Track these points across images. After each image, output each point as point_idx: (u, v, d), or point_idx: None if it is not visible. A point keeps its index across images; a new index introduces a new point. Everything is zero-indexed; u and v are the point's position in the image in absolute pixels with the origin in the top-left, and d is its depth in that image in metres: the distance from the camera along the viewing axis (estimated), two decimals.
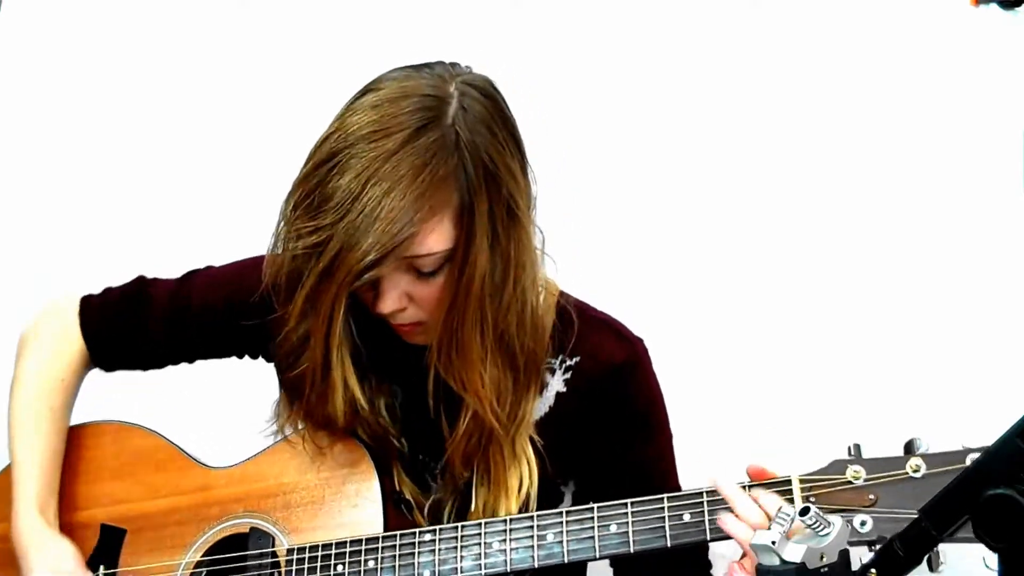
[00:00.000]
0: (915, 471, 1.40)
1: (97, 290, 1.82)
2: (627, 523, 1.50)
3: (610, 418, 1.64)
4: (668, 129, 2.48)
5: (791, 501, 1.44)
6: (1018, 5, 2.32)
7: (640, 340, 1.67)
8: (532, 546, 1.53)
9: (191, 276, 1.78)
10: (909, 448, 1.43)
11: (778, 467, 1.48)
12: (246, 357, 1.79)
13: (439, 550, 1.55)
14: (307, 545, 1.60)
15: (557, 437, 1.64)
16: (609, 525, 1.51)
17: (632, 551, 1.50)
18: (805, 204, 2.42)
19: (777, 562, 1.19)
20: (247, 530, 1.64)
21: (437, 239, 1.45)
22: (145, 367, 1.80)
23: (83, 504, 1.74)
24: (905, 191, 2.37)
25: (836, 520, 1.21)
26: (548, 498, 1.66)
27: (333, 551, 1.59)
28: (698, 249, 2.45)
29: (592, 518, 1.52)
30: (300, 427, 1.67)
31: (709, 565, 1.66)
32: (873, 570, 1.13)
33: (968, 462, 1.36)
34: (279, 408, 1.70)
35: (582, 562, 1.56)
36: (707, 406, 2.36)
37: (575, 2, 2.53)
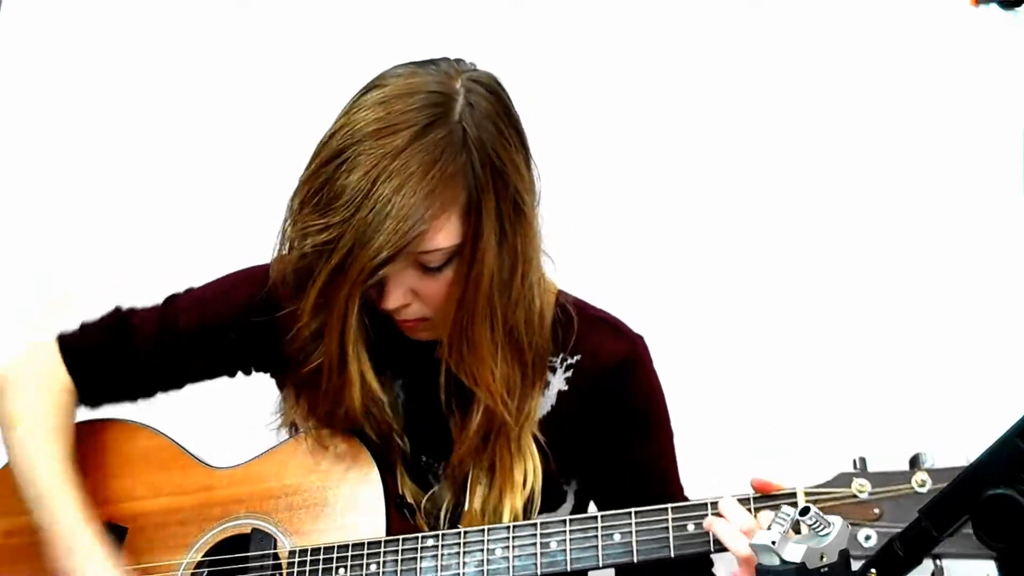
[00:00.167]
0: (920, 486, 1.40)
1: (72, 325, 1.78)
2: (631, 532, 1.50)
3: (612, 416, 1.64)
4: (668, 129, 2.48)
5: None
6: (1018, 5, 2.32)
7: (640, 337, 1.67)
8: (535, 553, 1.53)
9: (173, 300, 1.75)
10: (914, 462, 1.43)
11: (783, 480, 1.47)
12: (238, 375, 1.78)
13: (442, 555, 1.55)
14: (309, 547, 1.60)
15: (560, 435, 1.64)
16: (613, 534, 1.51)
17: (636, 560, 1.49)
18: (805, 204, 2.42)
19: (777, 562, 1.19)
20: (249, 531, 1.64)
21: (446, 235, 1.46)
22: (135, 398, 1.77)
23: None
24: (905, 191, 2.37)
25: (836, 520, 1.21)
26: (551, 497, 1.66)
27: (335, 554, 1.58)
28: (701, 249, 2.45)
29: (596, 527, 1.52)
30: (306, 427, 1.66)
31: (711, 564, 1.66)
32: (873, 570, 1.13)
33: None
34: (283, 406, 1.69)
35: (584, 570, 1.56)
36: (709, 406, 2.36)
37: (575, 2, 2.53)
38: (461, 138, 1.45)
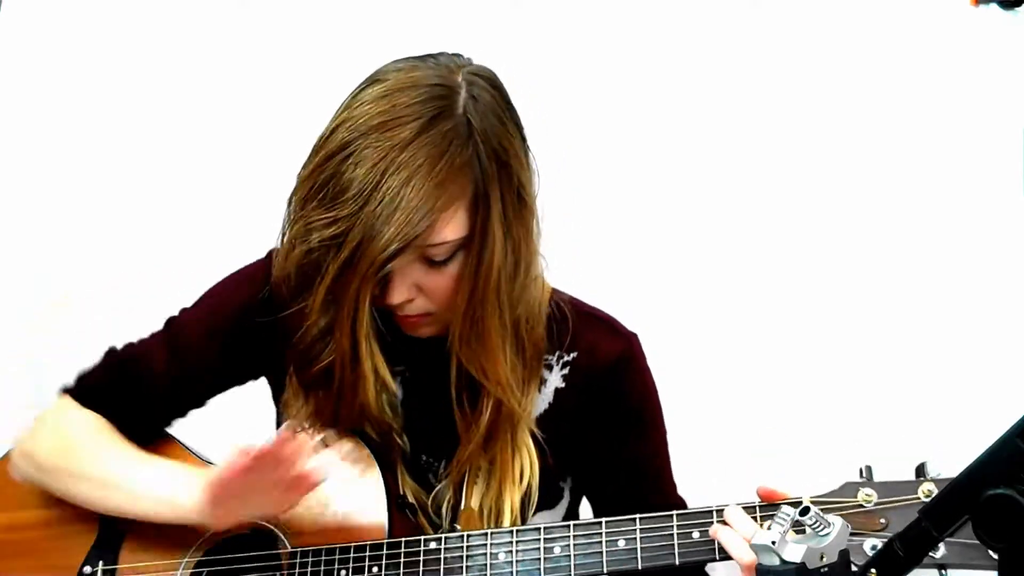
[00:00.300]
0: (927, 496, 1.39)
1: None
2: (635, 539, 1.49)
3: (608, 414, 1.64)
4: (668, 129, 2.48)
5: None
6: (1018, 5, 2.32)
7: (634, 335, 1.67)
8: (539, 559, 1.52)
9: (172, 323, 1.73)
10: (920, 471, 1.43)
11: (784, 482, 1.47)
12: (247, 383, 1.77)
13: (444, 559, 1.55)
14: (310, 548, 1.59)
15: (557, 432, 1.64)
16: (617, 540, 1.50)
17: (640, 567, 1.49)
18: (805, 203, 2.42)
19: (777, 562, 1.19)
20: (249, 531, 1.63)
21: (454, 228, 1.46)
22: (159, 425, 1.74)
23: None
24: (905, 191, 2.37)
25: (836, 520, 1.21)
26: (548, 494, 1.66)
27: (337, 556, 1.58)
28: (702, 249, 2.45)
29: (600, 532, 1.51)
30: (307, 427, 1.65)
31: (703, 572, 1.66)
32: (873, 570, 1.13)
33: None
34: (286, 410, 1.68)
35: None
36: (709, 406, 2.36)
37: (575, 2, 2.53)
38: (467, 130, 1.45)
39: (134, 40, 2.68)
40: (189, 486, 1.56)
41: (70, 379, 1.75)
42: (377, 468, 1.62)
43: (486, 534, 1.55)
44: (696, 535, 1.47)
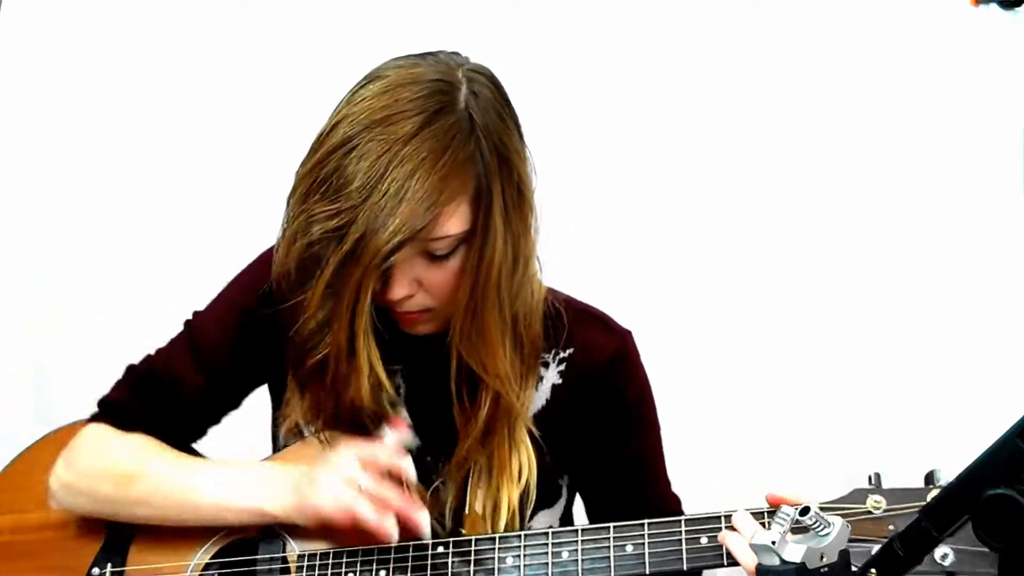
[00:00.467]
0: None
1: (89, 405, 1.74)
2: (643, 544, 1.49)
3: (602, 411, 1.65)
4: (667, 129, 2.48)
5: None
6: (1018, 5, 2.31)
7: (628, 332, 1.68)
8: (547, 563, 1.52)
9: (190, 327, 1.73)
10: (929, 479, 1.42)
11: (787, 484, 1.46)
12: (261, 385, 1.76)
13: (452, 563, 1.54)
14: (318, 551, 1.59)
15: (555, 430, 1.64)
16: (625, 545, 1.50)
17: (648, 572, 1.48)
18: (805, 203, 2.42)
19: (777, 562, 1.19)
20: (257, 533, 1.63)
21: (456, 222, 1.46)
22: (194, 439, 1.74)
23: None
24: (905, 192, 2.37)
25: (836, 520, 1.21)
26: (547, 493, 1.66)
27: (344, 559, 1.57)
28: (701, 249, 2.45)
29: (608, 537, 1.51)
30: (308, 428, 1.65)
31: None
32: (873, 570, 1.12)
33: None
34: (285, 409, 1.68)
35: None
36: (708, 405, 2.36)
37: (575, 2, 2.53)
38: (469, 125, 1.45)
39: (134, 40, 2.69)
40: (272, 492, 1.57)
41: (91, 407, 1.72)
42: None
43: (494, 538, 1.55)
44: (704, 540, 1.47)
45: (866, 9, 2.40)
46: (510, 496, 1.59)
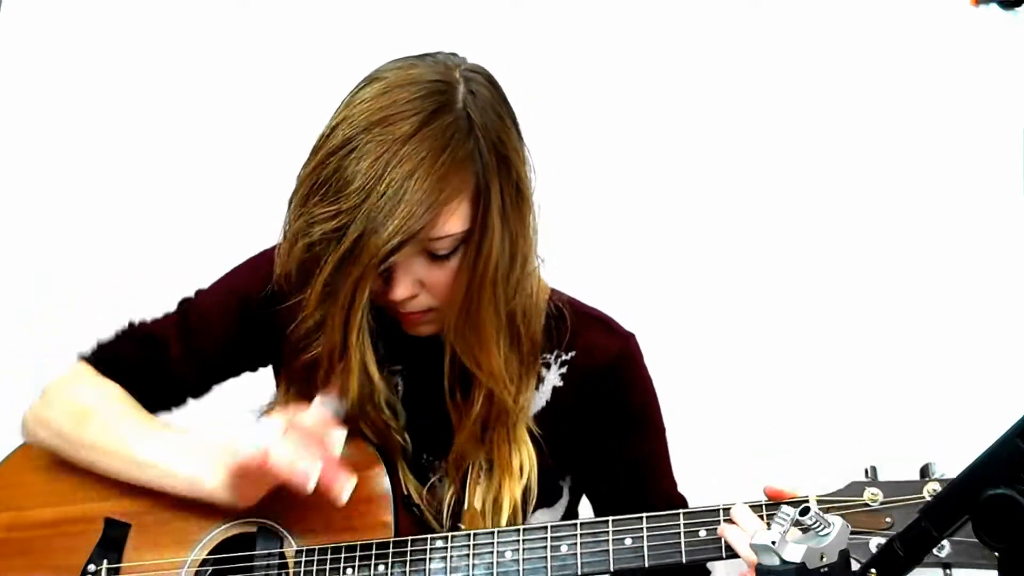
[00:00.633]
0: (932, 495, 1.40)
1: (86, 344, 1.77)
2: (642, 537, 1.49)
3: (606, 414, 1.65)
4: (668, 129, 2.48)
5: None
6: (1018, 5, 2.32)
7: (632, 335, 1.68)
8: (545, 556, 1.52)
9: (187, 304, 1.75)
10: (925, 472, 1.43)
11: (788, 480, 1.47)
12: (259, 369, 1.77)
13: (451, 557, 1.54)
14: (316, 547, 1.59)
15: (555, 431, 1.64)
16: (624, 538, 1.50)
17: (647, 565, 1.49)
18: (805, 203, 2.42)
19: (777, 562, 1.18)
20: (254, 529, 1.63)
21: (456, 221, 1.46)
22: (168, 407, 1.76)
23: (87, 497, 1.72)
24: (906, 192, 2.37)
25: (836, 520, 1.21)
26: (547, 493, 1.66)
27: (343, 554, 1.57)
28: (701, 249, 2.45)
29: (607, 531, 1.51)
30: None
31: (708, 573, 1.66)
32: (873, 570, 1.12)
33: None
34: (272, 402, 1.69)
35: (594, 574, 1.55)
36: (709, 406, 2.36)
37: (575, 2, 2.53)
38: (467, 124, 1.46)
39: (134, 40, 2.69)
40: (212, 467, 1.58)
41: (89, 346, 1.76)
42: (383, 467, 1.62)
43: (492, 533, 1.55)
44: (703, 534, 1.47)
45: (866, 9, 2.40)
46: (512, 493, 1.60)
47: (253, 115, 2.61)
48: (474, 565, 1.54)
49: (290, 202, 1.50)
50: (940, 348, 2.32)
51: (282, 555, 1.61)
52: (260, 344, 1.71)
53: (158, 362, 1.72)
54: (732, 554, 1.45)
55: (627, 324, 1.69)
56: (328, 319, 1.51)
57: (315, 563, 1.58)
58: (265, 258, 1.70)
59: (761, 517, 1.45)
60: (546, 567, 1.52)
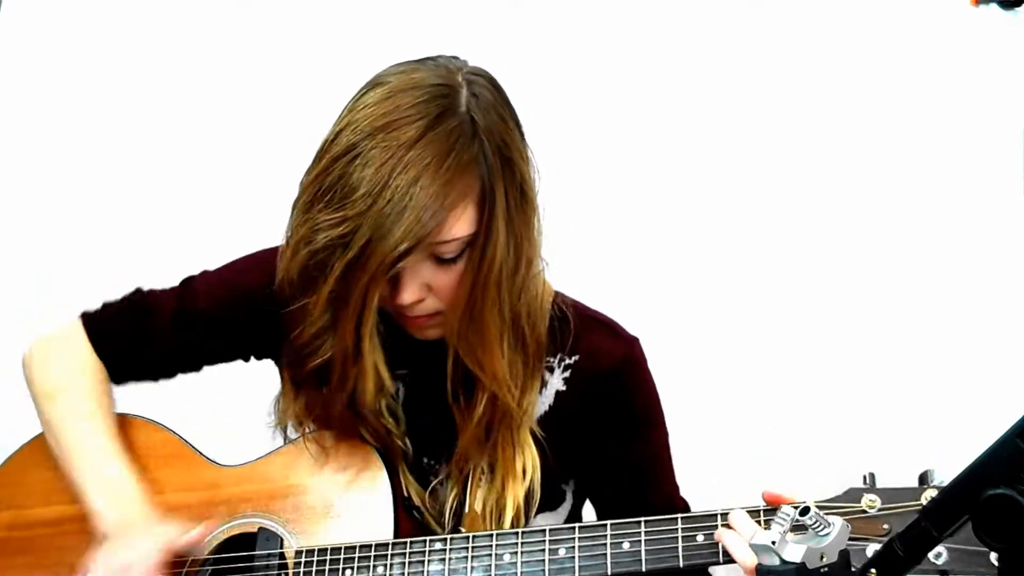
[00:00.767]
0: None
1: (93, 305, 1.80)
2: (640, 541, 1.49)
3: (609, 418, 1.64)
4: (668, 129, 2.48)
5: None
6: (1018, 5, 2.32)
7: (636, 339, 1.67)
8: (544, 560, 1.52)
9: (190, 281, 1.77)
10: (924, 479, 1.42)
11: (786, 483, 1.47)
12: (252, 359, 1.78)
13: (449, 559, 1.55)
14: (316, 548, 1.59)
15: (558, 435, 1.64)
16: (622, 542, 1.50)
17: (644, 570, 1.49)
18: (805, 203, 2.42)
19: (777, 562, 1.18)
20: (255, 530, 1.63)
21: (463, 224, 1.46)
22: (156, 377, 1.79)
23: None
24: (906, 192, 2.37)
25: (836, 520, 1.21)
26: (550, 496, 1.66)
27: (342, 555, 1.58)
28: (701, 250, 2.45)
29: (605, 535, 1.51)
30: (308, 428, 1.65)
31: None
32: (873, 570, 1.12)
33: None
34: (280, 405, 1.69)
35: None
36: (709, 406, 2.36)
37: (575, 2, 2.53)
38: (471, 127, 1.45)
39: (134, 41, 2.69)
40: (108, 516, 1.63)
41: (96, 304, 1.79)
42: (384, 469, 1.62)
43: (491, 535, 1.55)
44: (700, 538, 1.47)
45: (866, 9, 2.40)
46: (515, 495, 1.60)
47: (253, 116, 2.62)
48: (472, 568, 1.54)
49: (293, 208, 1.50)
50: (940, 349, 2.32)
51: (282, 555, 1.61)
52: (255, 336, 1.72)
53: (144, 332, 1.74)
54: (730, 559, 1.45)
55: (627, 325, 1.69)
56: (338, 325, 1.50)
57: (315, 564, 1.58)
58: (270, 255, 1.70)
59: (759, 523, 1.44)
60: (544, 570, 1.52)
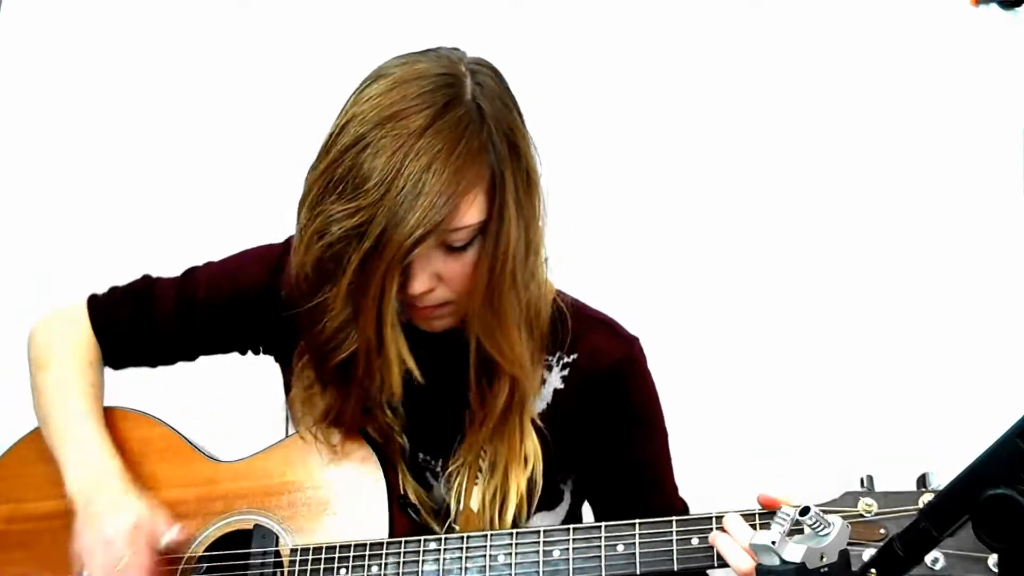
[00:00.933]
0: None
1: (101, 290, 1.82)
2: (634, 544, 1.49)
3: (607, 417, 1.64)
4: (668, 129, 2.48)
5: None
6: (1018, 5, 2.32)
7: (636, 339, 1.67)
8: (538, 561, 1.52)
9: (193, 271, 1.78)
10: (922, 482, 1.42)
11: (783, 485, 1.47)
12: (248, 353, 1.78)
13: (443, 560, 1.55)
14: (311, 546, 1.60)
15: (556, 433, 1.64)
16: (616, 545, 1.50)
17: (638, 572, 1.48)
18: (805, 204, 2.42)
19: (777, 562, 1.18)
20: (251, 527, 1.63)
21: (475, 211, 1.46)
22: (154, 363, 1.80)
23: None
24: (906, 192, 2.37)
25: (836, 520, 1.21)
26: (548, 495, 1.66)
27: (337, 554, 1.58)
28: (701, 250, 2.45)
29: (599, 536, 1.51)
30: (311, 426, 1.65)
31: None
32: (873, 570, 1.12)
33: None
34: (296, 406, 1.67)
35: None
36: (708, 407, 2.36)
37: (575, 2, 2.53)
38: (479, 115, 1.46)
39: (134, 40, 2.69)
40: (83, 490, 1.62)
41: (99, 288, 1.82)
42: (380, 467, 1.62)
43: (486, 535, 1.55)
44: (695, 541, 1.47)
45: (866, 9, 2.40)
46: (519, 482, 1.60)
47: (253, 115, 2.62)
48: (466, 568, 1.54)
49: (301, 204, 1.49)
50: (939, 349, 2.32)
51: (277, 553, 1.61)
52: (253, 330, 1.73)
53: (145, 318, 1.76)
54: (724, 563, 1.45)
55: (627, 325, 1.69)
56: (359, 317, 1.49)
57: (309, 562, 1.58)
58: (273, 251, 1.70)
59: (754, 526, 1.44)
60: (538, 571, 1.52)
